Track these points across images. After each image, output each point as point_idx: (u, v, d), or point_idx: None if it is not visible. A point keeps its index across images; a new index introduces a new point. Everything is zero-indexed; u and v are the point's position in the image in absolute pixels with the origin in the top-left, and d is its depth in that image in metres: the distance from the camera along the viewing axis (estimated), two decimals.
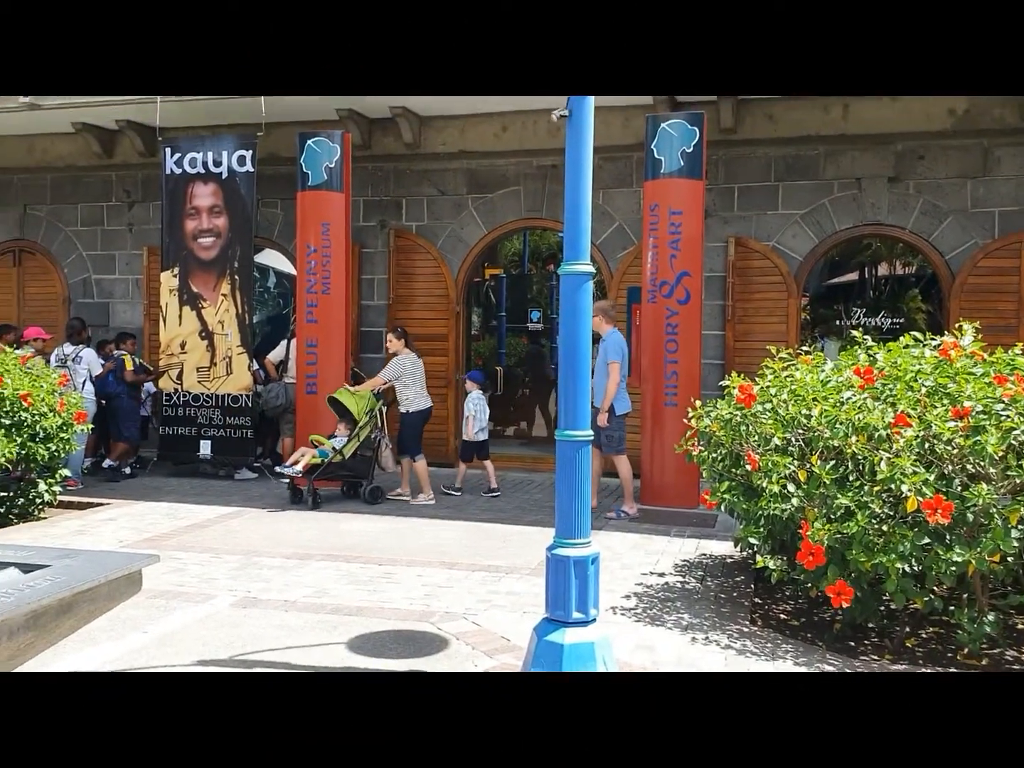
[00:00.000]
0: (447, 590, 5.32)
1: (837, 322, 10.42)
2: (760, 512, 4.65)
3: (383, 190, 10.22)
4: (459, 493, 8.52)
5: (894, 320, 9.71)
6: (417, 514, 7.53)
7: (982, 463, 4.03)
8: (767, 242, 9.18)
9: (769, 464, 4.57)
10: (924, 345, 4.91)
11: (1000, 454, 3.99)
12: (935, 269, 8.92)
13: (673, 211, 7.98)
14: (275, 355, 9.57)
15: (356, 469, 8.19)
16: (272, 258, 11.61)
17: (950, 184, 8.75)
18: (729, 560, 6.07)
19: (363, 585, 5.41)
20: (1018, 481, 3.95)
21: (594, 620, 3.86)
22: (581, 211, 4.06)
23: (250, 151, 9.31)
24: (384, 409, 8.42)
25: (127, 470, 9.31)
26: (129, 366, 9.22)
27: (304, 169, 8.87)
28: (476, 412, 8.45)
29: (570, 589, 3.82)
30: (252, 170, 9.33)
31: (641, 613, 4.86)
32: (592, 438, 4.02)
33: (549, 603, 3.90)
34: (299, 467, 7.88)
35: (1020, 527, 3.93)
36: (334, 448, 8.01)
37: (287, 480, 8.13)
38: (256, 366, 9.57)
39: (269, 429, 9.81)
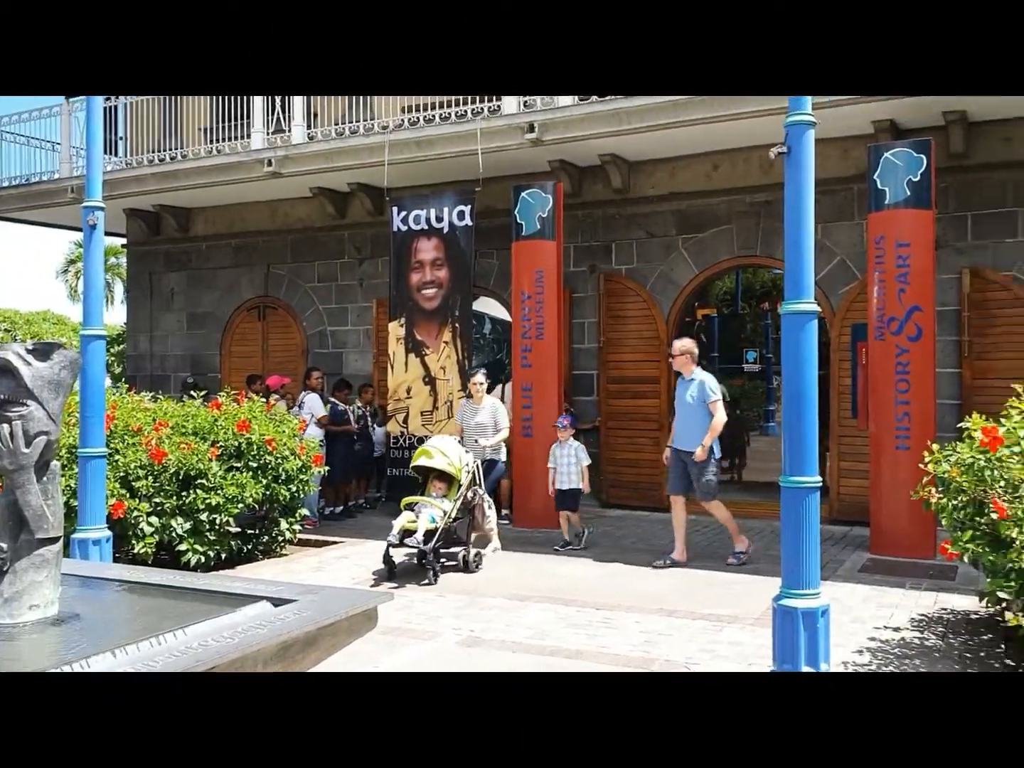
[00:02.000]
0: (667, 637, 5.24)
1: None
2: (1010, 565, 4.27)
3: (593, 236, 10.39)
4: (573, 544, 7.96)
5: None
6: (632, 560, 7.47)
7: None
8: (1007, 272, 8.51)
9: (1019, 513, 4.21)
10: None
11: None
12: None
13: (900, 243, 7.58)
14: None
15: (458, 533, 7.17)
16: (488, 306, 12.06)
17: None
18: (974, 616, 5.59)
19: (582, 629, 5.43)
20: None
21: None
22: (803, 248, 3.97)
23: (469, 206, 9.77)
24: (480, 464, 7.58)
25: (337, 510, 9.80)
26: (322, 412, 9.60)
27: (518, 220, 9.18)
28: (557, 463, 7.98)
29: (799, 642, 3.68)
30: (471, 224, 9.77)
31: (875, 670, 4.57)
32: (818, 484, 3.87)
33: (776, 655, 3.77)
34: (419, 535, 6.69)
35: None
36: (443, 511, 6.93)
37: (405, 547, 6.85)
38: None
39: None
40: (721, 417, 7.17)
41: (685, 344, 7.35)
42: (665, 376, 9.81)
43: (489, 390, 10.04)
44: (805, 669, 3.64)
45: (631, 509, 9.67)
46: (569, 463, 7.92)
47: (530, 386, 9.05)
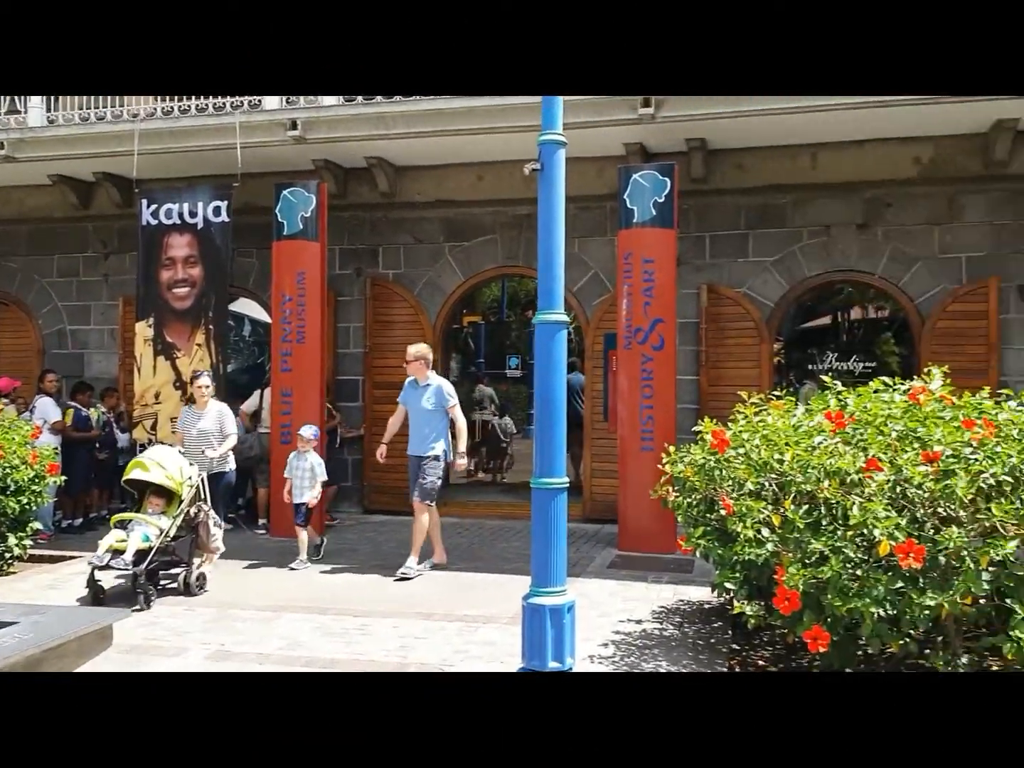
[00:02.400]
0: (423, 641, 5.27)
1: (810, 366, 10.52)
2: (735, 557, 4.65)
3: (359, 238, 10.30)
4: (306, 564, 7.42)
5: (866, 364, 9.83)
6: (393, 566, 7.45)
7: (952, 506, 4.07)
8: (739, 289, 9.31)
9: (743, 509, 4.59)
10: (893, 389, 4.97)
11: (970, 497, 4.03)
12: (905, 314, 9.07)
13: (646, 259, 8.10)
14: (249, 405, 9.53)
15: (179, 552, 6.50)
16: (247, 307, 11.61)
17: (918, 230, 8.92)
18: (707, 606, 6.05)
19: (338, 637, 5.35)
20: (987, 524, 3.98)
21: (570, 669, 3.84)
22: (554, 262, 4.13)
23: (226, 201, 9.37)
24: (205, 477, 6.84)
25: (76, 522, 9.15)
26: (68, 420, 8.99)
27: (279, 219, 8.93)
28: (292, 473, 7.58)
29: (546, 638, 3.82)
30: (227, 220, 9.38)
31: (619, 661, 4.83)
32: (566, 485, 4.03)
33: (525, 652, 3.88)
34: (128, 556, 6.07)
35: (991, 569, 3.95)
36: (160, 529, 6.32)
37: (112, 570, 6.20)
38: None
39: (243, 480, 9.73)
40: (464, 420, 7.32)
41: (420, 350, 7.35)
42: None
43: (248, 396, 9.71)
44: (552, 665, 3.78)
45: (393, 515, 9.64)
46: (303, 475, 7.55)
47: (290, 392, 8.81)
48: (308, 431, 7.71)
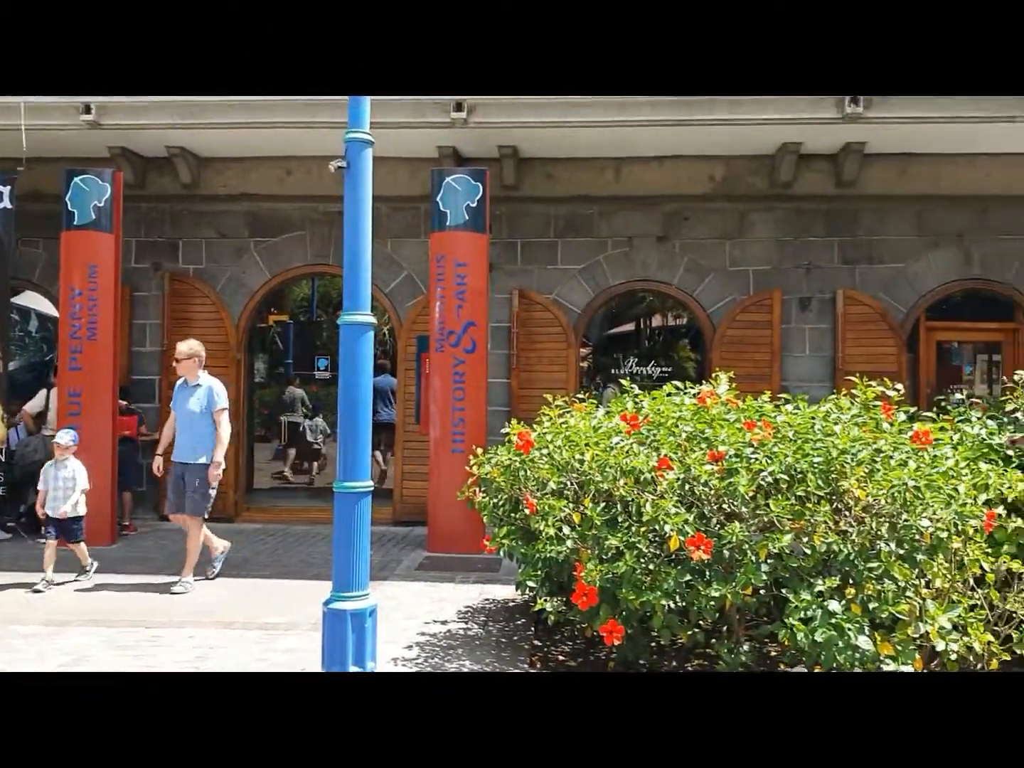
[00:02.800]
0: (221, 650, 5.07)
1: (614, 370, 10.96)
2: (537, 555, 4.76)
3: (158, 231, 9.79)
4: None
5: (663, 369, 10.34)
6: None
7: (735, 503, 4.35)
8: (548, 295, 9.56)
9: (546, 508, 4.72)
10: (684, 393, 5.26)
11: (751, 494, 4.32)
12: (699, 322, 9.61)
13: (459, 263, 8.16)
14: (33, 405, 8.86)
15: None
16: (33, 300, 10.80)
17: (711, 244, 9.49)
18: (512, 604, 6.17)
19: (128, 650, 5.06)
20: (766, 519, 4.28)
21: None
22: (360, 261, 4.09)
23: (9, 187, 8.67)
24: None
25: None
26: None
27: (70, 208, 8.34)
28: (49, 484, 6.85)
29: (347, 643, 3.77)
30: (10, 207, 8.67)
31: (422, 663, 4.84)
32: (370, 489, 4.00)
33: (325, 658, 3.82)
34: None
35: (769, 561, 4.25)
36: None
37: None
38: (15, 418, 8.83)
39: (27, 486, 9.01)
40: (227, 428, 6.81)
41: (192, 347, 6.86)
42: (233, 382, 9.53)
43: (33, 395, 9.02)
44: (352, 669, 3.73)
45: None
46: (66, 486, 6.83)
47: (79, 391, 8.24)
48: (66, 437, 6.93)
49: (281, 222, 9.74)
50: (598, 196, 9.52)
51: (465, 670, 4.74)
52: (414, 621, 5.70)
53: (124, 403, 8.99)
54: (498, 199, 9.23)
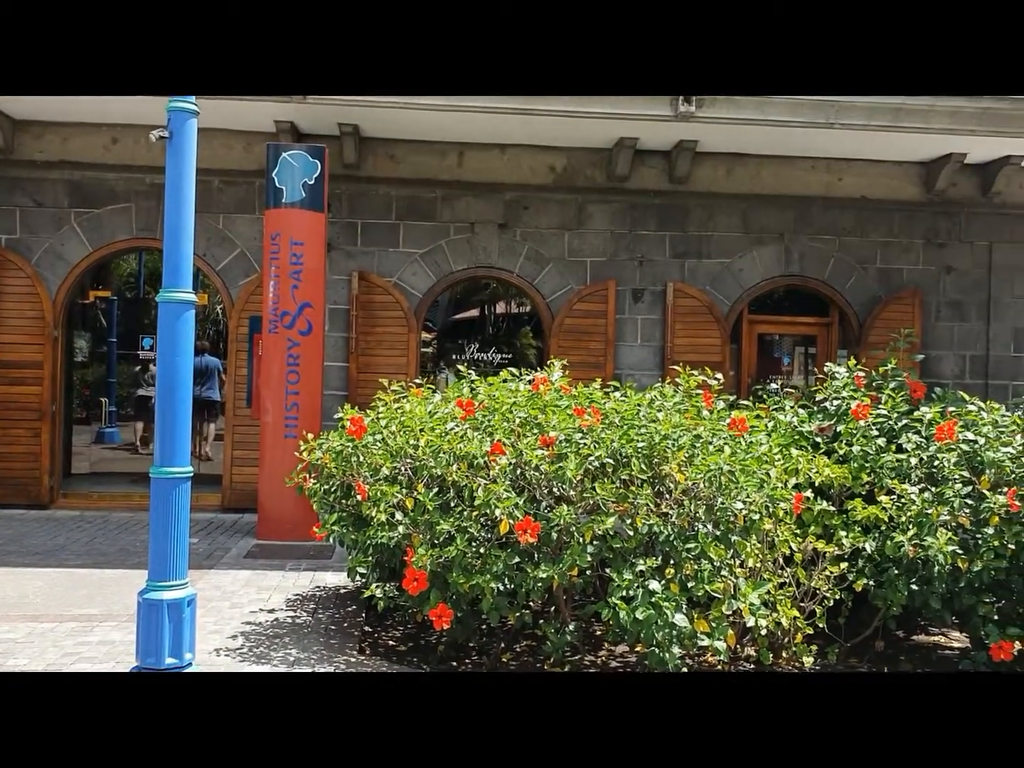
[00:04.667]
0: (27, 646, 4.76)
1: (456, 356, 10.98)
2: (368, 541, 4.72)
3: None
4: None
5: (504, 355, 10.44)
6: None
7: (564, 486, 4.44)
8: (389, 278, 9.45)
9: (378, 494, 4.67)
10: (519, 379, 5.32)
11: (578, 478, 4.43)
12: (539, 310, 9.75)
13: (295, 241, 7.94)
14: None
15: None
16: None
17: (551, 234, 9.63)
18: (343, 591, 6.09)
19: None
20: (592, 502, 4.40)
21: (189, 665, 3.67)
22: (182, 236, 3.90)
23: None
24: None
25: None
26: None
27: None
28: None
29: (163, 635, 3.61)
30: None
31: (247, 652, 4.70)
32: (189, 475, 3.83)
33: (140, 651, 3.65)
34: None
35: (594, 543, 4.37)
36: None
37: None
38: None
39: None
40: None
41: None
42: (50, 361, 8.95)
43: None
44: (169, 661, 3.58)
45: (2, 507, 8.62)
46: None
47: None
48: None
49: (105, 193, 9.18)
50: (441, 180, 9.48)
51: (302, 656, 4.64)
52: (239, 610, 5.53)
53: None
54: (338, 178, 9.04)
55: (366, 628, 5.36)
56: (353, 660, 4.68)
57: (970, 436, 4.98)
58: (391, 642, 5.22)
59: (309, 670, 4.45)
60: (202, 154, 4.51)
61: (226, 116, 8.37)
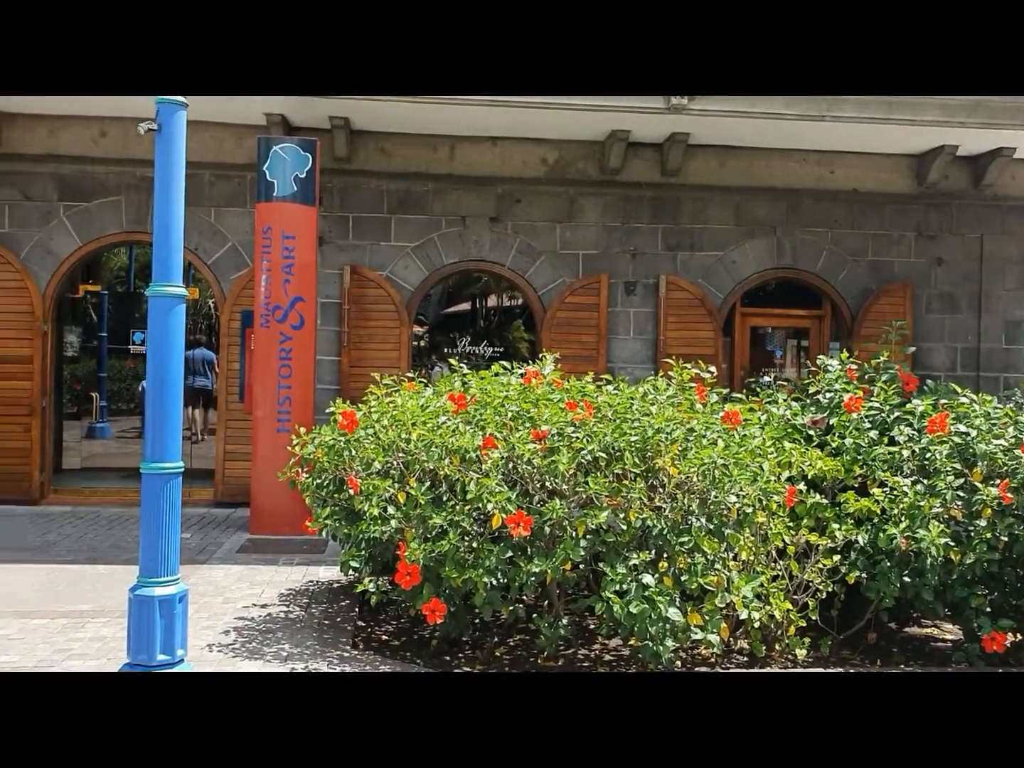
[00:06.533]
0: (18, 641, 4.73)
1: (448, 350, 10.97)
2: (361, 536, 4.71)
3: None
4: None
5: (496, 349, 10.44)
6: None
7: (557, 480, 4.44)
8: (381, 272, 9.42)
9: (370, 488, 4.66)
10: (511, 373, 5.31)
11: (571, 472, 4.42)
12: (530, 303, 9.73)
13: (286, 235, 7.90)
14: None
15: None
16: None
17: (542, 227, 9.61)
18: (336, 585, 6.07)
19: None
20: (585, 495, 4.39)
21: (181, 661, 3.66)
22: (171, 229, 3.88)
23: None
24: None
25: None
26: None
27: None
28: None
29: (155, 631, 3.59)
30: None
31: (240, 648, 4.69)
32: (180, 470, 3.82)
33: (131, 647, 3.63)
34: None
35: (587, 537, 4.37)
36: None
37: None
38: None
39: None
40: None
41: None
42: (39, 356, 8.90)
43: None
44: (160, 658, 3.56)
45: None
46: None
47: None
48: None
49: (95, 186, 9.12)
50: (432, 174, 9.45)
51: (295, 651, 4.63)
52: (232, 605, 5.51)
53: None
54: (330, 171, 9.00)
55: (359, 622, 5.35)
56: (346, 655, 4.66)
57: (962, 428, 4.99)
58: (384, 636, 5.21)
59: (303, 666, 4.44)
60: (192, 147, 4.47)
61: (216, 109, 8.31)
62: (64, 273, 9.18)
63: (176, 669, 3.59)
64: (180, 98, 3.82)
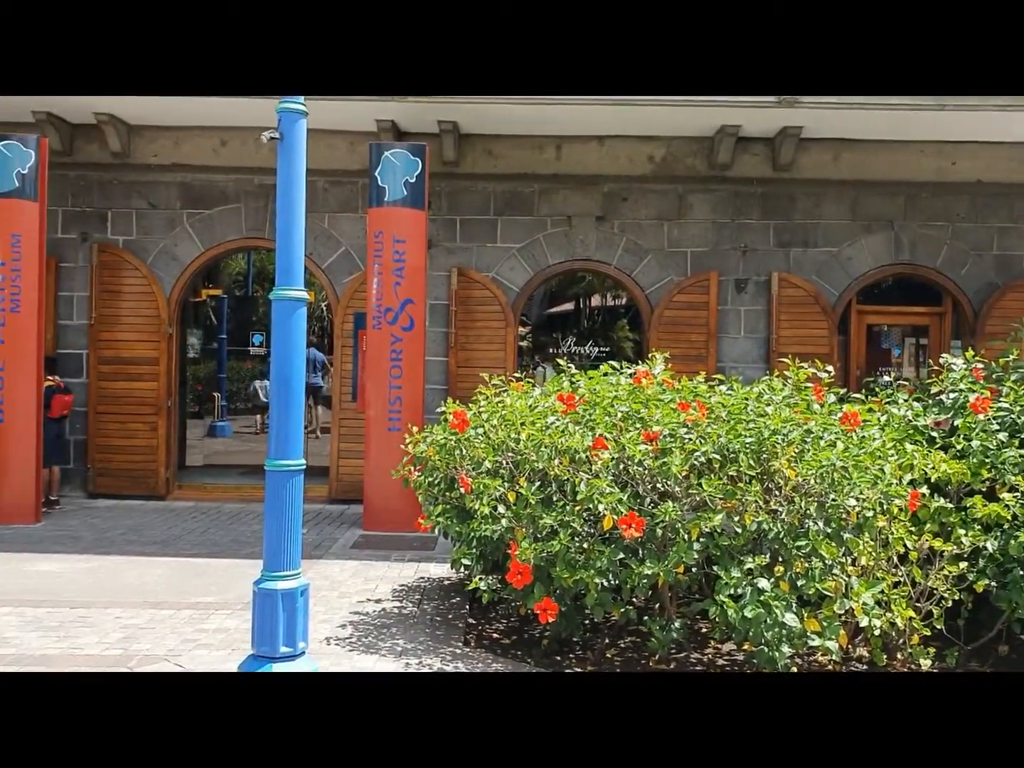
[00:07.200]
0: (148, 631, 4.97)
1: (552, 350, 10.99)
2: (472, 534, 4.76)
3: (86, 200, 9.48)
4: None
5: (601, 349, 10.41)
6: (119, 551, 6.98)
7: (669, 482, 4.39)
8: (487, 273, 9.51)
9: (481, 487, 4.70)
10: (620, 373, 5.28)
11: (684, 474, 4.37)
12: (637, 302, 9.67)
13: (397, 239, 8.07)
14: None
15: None
16: None
17: (649, 225, 9.53)
18: (447, 582, 6.16)
19: (52, 631, 4.92)
20: (698, 498, 4.33)
21: (303, 653, 3.77)
22: (294, 236, 4.00)
23: None
24: None
25: None
26: None
27: None
28: None
29: (278, 623, 3.71)
30: None
31: (356, 642, 4.81)
32: (302, 467, 3.94)
33: (255, 639, 3.76)
34: None
35: (701, 540, 4.31)
36: None
37: None
38: None
39: None
40: None
41: None
42: (165, 357, 9.33)
43: None
44: (283, 650, 3.68)
45: (122, 498, 9.04)
46: None
47: (2, 364, 7.97)
48: None
49: (215, 194, 9.51)
50: (538, 174, 9.49)
51: (409, 647, 4.73)
52: (348, 600, 5.65)
53: (56, 380, 8.73)
54: (438, 175, 9.14)
55: (470, 620, 5.41)
56: (459, 651, 4.73)
57: None
58: (495, 635, 5.26)
59: (417, 662, 4.52)
60: (307, 155, 4.61)
61: (329, 117, 8.54)
62: (187, 278, 9.61)
63: (298, 661, 3.71)
64: (301, 107, 3.95)
